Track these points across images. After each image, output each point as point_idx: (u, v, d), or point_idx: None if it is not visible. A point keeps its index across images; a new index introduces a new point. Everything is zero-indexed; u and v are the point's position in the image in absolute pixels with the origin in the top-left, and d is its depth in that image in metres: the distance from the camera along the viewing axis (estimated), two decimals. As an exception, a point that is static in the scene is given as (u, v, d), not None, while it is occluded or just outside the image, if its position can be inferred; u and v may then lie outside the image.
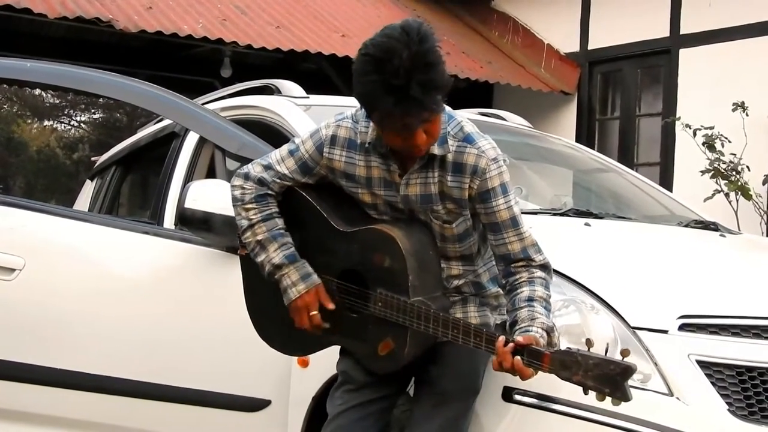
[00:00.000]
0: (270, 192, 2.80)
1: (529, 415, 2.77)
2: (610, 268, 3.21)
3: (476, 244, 2.78)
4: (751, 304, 3.09)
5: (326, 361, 3.00)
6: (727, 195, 7.59)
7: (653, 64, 9.19)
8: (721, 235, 4.00)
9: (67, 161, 23.04)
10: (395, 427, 2.93)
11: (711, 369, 2.82)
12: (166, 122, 4.66)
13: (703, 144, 7.69)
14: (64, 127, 24.66)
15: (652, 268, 3.27)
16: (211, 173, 4.18)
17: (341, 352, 2.86)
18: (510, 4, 10.51)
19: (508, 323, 2.64)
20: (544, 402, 2.75)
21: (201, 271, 3.74)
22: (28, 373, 3.82)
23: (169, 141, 4.47)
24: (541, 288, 2.63)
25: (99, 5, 7.95)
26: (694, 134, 7.70)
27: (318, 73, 9.00)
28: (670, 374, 2.78)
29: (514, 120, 5.03)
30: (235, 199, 2.83)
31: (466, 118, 2.75)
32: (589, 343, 2.35)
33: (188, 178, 4.15)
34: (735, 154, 7.66)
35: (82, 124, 24.33)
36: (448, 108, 2.66)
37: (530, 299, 2.59)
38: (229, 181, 3.55)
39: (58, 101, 22.93)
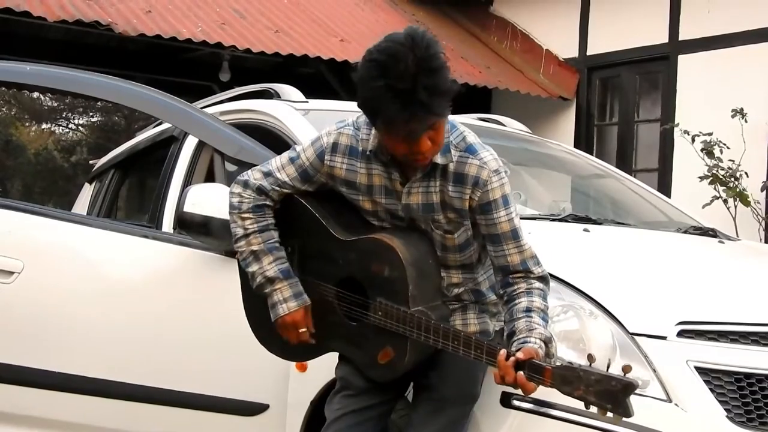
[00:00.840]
0: (268, 203, 2.80)
1: (528, 421, 2.77)
2: (609, 274, 3.21)
3: (476, 253, 2.77)
4: (750, 311, 3.09)
5: (324, 365, 3.00)
6: (725, 201, 7.60)
7: (652, 70, 9.20)
8: (720, 242, 4.01)
9: (65, 164, 23.03)
10: (393, 432, 2.93)
11: (709, 375, 2.83)
12: (165, 126, 4.66)
13: (702, 150, 7.70)
14: (62, 130, 24.67)
15: (651, 274, 3.27)
16: (210, 177, 4.18)
17: (340, 358, 2.86)
18: (509, 9, 10.53)
19: (505, 333, 2.64)
20: (542, 408, 2.75)
21: (199, 275, 3.73)
22: (27, 376, 3.81)
23: (168, 144, 4.47)
24: (539, 299, 2.63)
25: (98, 8, 7.95)
26: (693, 140, 7.71)
27: (317, 78, 9.01)
28: (669, 380, 2.78)
29: (512, 125, 5.03)
30: (232, 206, 2.83)
31: (467, 128, 2.74)
32: (590, 358, 2.36)
33: (187, 181, 4.16)
34: (733, 161, 7.66)
35: (80, 127, 24.34)
36: (450, 117, 2.66)
37: (528, 310, 2.59)
38: (229, 185, 3.57)
39: (56, 104, 22.94)
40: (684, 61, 8.73)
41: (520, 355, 2.43)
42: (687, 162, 8.03)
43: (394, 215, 2.75)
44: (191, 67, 9.77)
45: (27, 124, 24.36)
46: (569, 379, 2.34)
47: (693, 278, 3.37)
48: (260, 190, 2.80)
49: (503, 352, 2.45)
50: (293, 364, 3.31)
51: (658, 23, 8.89)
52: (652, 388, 2.78)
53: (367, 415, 2.78)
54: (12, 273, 3.84)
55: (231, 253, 3.52)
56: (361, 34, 9.38)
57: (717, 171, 7.62)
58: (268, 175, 2.80)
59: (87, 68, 4.56)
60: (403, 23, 9.98)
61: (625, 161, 9.09)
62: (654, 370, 2.79)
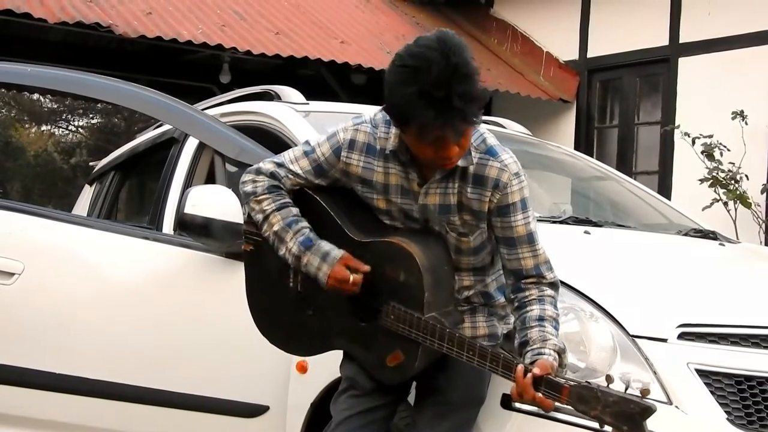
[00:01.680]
0: (282, 185, 2.75)
1: (529, 423, 2.76)
2: (610, 276, 3.21)
3: (489, 256, 2.76)
4: (751, 314, 3.09)
5: (325, 367, 3.00)
6: (725, 204, 7.59)
7: (652, 72, 9.20)
8: (721, 244, 4.01)
9: (65, 166, 23.02)
10: (394, 435, 2.93)
11: (710, 378, 2.82)
12: (166, 127, 4.67)
13: (702, 152, 7.70)
14: (62, 131, 24.65)
15: (652, 277, 3.27)
16: (210, 179, 4.18)
17: (345, 357, 2.84)
18: (509, 11, 10.53)
19: (517, 342, 2.62)
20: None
21: (200, 277, 3.73)
22: (27, 378, 3.82)
23: (168, 146, 4.47)
24: (550, 307, 2.62)
25: (98, 10, 7.96)
26: (693, 143, 7.71)
27: (317, 80, 9.02)
28: (669, 383, 2.78)
29: (513, 127, 5.03)
30: (246, 194, 2.77)
31: (487, 130, 2.71)
32: (609, 379, 2.35)
33: (188, 183, 4.16)
34: (734, 163, 7.66)
35: (79, 129, 24.33)
36: None
37: (541, 318, 2.58)
38: (229, 187, 3.57)
39: (56, 106, 22.93)
40: (684, 64, 8.73)
41: (536, 370, 2.41)
42: (687, 164, 8.03)
43: (408, 215, 2.72)
44: (191, 69, 9.78)
45: (27, 125, 24.34)
46: (586, 398, 2.33)
47: (694, 280, 3.37)
48: (273, 176, 2.75)
49: (521, 367, 2.43)
50: (294, 365, 3.31)
51: (658, 25, 8.89)
52: (652, 391, 2.75)
53: (373, 416, 2.76)
54: (12, 274, 3.84)
55: (232, 255, 3.53)
56: (361, 36, 9.39)
57: (717, 173, 7.61)
58: (280, 165, 2.76)
59: (87, 70, 4.55)
60: (404, 25, 10.00)
61: (625, 164, 9.09)
62: (654, 373, 2.79)
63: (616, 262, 3.45)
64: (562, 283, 2.88)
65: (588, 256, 3.43)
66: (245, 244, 2.88)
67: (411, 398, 2.87)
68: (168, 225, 4.05)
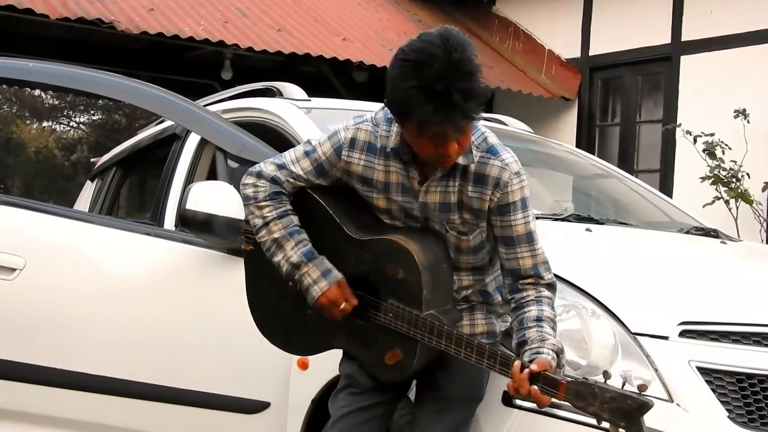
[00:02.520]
0: (283, 190, 2.75)
1: (530, 420, 2.76)
2: (611, 274, 3.21)
3: (488, 255, 2.76)
4: (752, 312, 3.09)
5: (326, 364, 3.00)
6: (727, 202, 7.60)
7: (654, 70, 9.20)
8: (722, 242, 4.01)
9: (66, 162, 23.03)
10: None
11: (711, 375, 2.82)
12: (167, 124, 4.66)
13: (704, 151, 7.70)
14: (63, 128, 24.66)
15: (653, 275, 3.27)
16: (212, 175, 4.17)
17: (344, 355, 2.84)
18: (511, 9, 10.53)
19: (515, 342, 2.62)
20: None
21: (202, 273, 3.73)
22: (29, 373, 3.82)
23: (170, 142, 4.47)
24: (548, 308, 2.62)
25: (100, 6, 7.96)
26: (695, 141, 7.71)
27: (319, 77, 9.02)
28: (670, 380, 2.78)
29: (515, 125, 5.03)
30: (247, 198, 2.77)
31: (488, 129, 2.72)
32: (606, 375, 2.35)
33: (189, 179, 4.15)
34: (735, 161, 7.66)
35: (80, 125, 24.33)
36: None
37: (539, 319, 2.58)
38: (231, 183, 3.57)
39: (57, 102, 22.94)
40: (686, 62, 8.73)
41: (534, 367, 2.42)
42: (689, 163, 8.03)
43: (408, 214, 2.73)
44: (193, 66, 9.78)
45: (28, 121, 24.35)
46: (583, 394, 2.34)
47: (695, 278, 3.37)
48: (274, 181, 2.75)
49: (518, 363, 2.44)
50: (294, 362, 3.32)
51: (660, 24, 8.89)
52: (653, 388, 2.76)
53: (372, 413, 2.77)
54: (14, 270, 3.84)
55: (233, 251, 3.53)
56: (363, 33, 9.38)
57: (719, 172, 7.62)
58: (281, 167, 2.76)
59: (89, 66, 4.55)
60: (406, 23, 10.00)
61: (626, 162, 9.09)
62: (656, 370, 2.79)
63: (618, 259, 3.45)
64: (564, 280, 2.89)
65: (589, 253, 3.43)
66: (245, 244, 2.88)
67: (412, 395, 2.87)
68: (169, 221, 4.05)
